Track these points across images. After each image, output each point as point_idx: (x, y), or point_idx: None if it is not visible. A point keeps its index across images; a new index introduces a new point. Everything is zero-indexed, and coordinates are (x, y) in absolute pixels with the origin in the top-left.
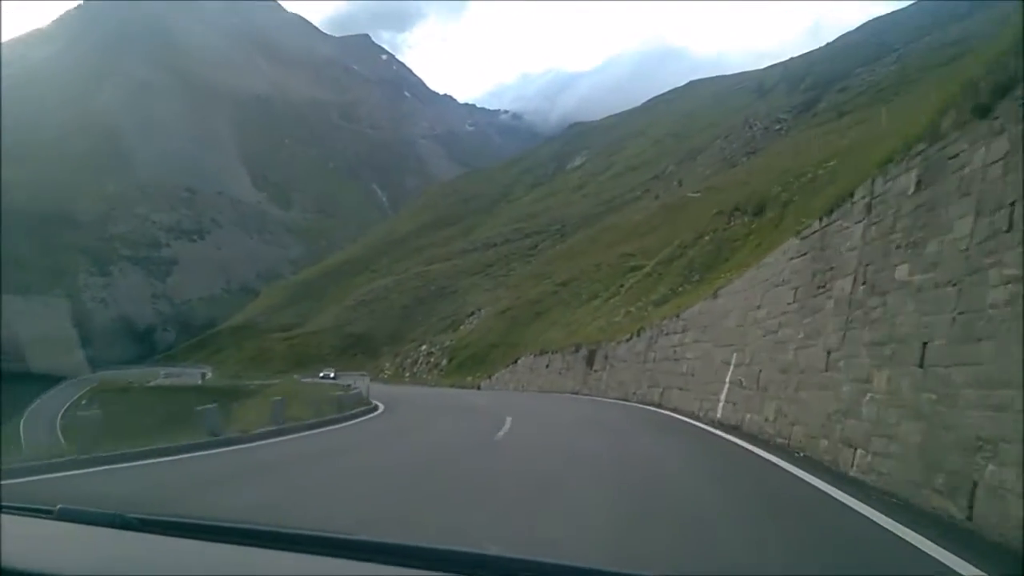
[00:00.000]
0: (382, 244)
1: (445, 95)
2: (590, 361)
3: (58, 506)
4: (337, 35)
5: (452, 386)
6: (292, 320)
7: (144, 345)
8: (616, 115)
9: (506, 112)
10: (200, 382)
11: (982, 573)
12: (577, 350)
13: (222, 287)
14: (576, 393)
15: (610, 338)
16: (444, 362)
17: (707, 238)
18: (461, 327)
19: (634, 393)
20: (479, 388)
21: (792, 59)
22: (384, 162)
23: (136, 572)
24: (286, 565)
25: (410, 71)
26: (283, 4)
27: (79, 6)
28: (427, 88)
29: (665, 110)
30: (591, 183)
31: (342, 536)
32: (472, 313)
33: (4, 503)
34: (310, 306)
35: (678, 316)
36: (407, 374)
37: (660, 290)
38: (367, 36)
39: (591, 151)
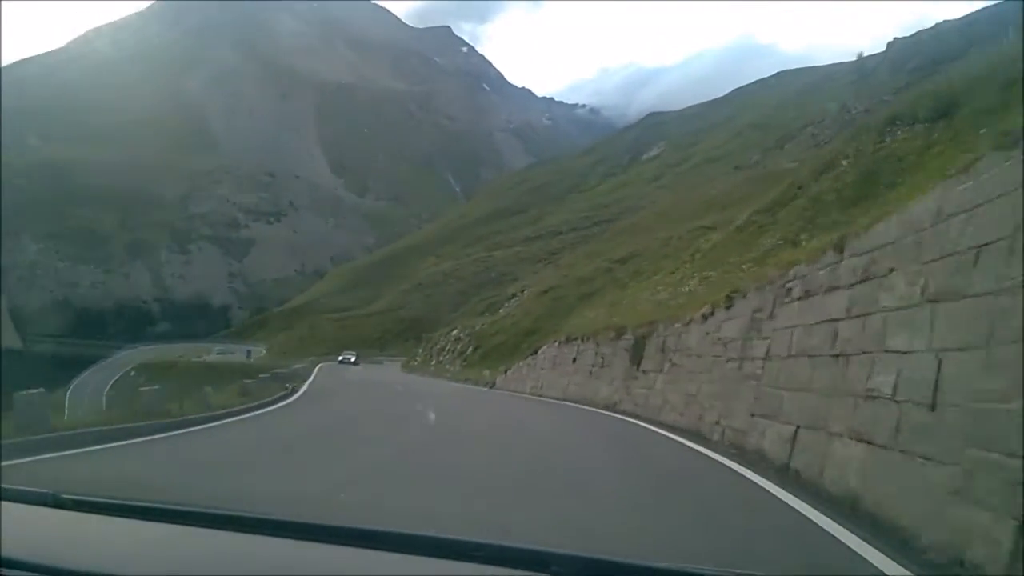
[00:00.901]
0: (448, 230)
1: (523, 88)
2: (637, 355)
3: None
4: (419, 26)
5: (466, 381)
6: (351, 303)
7: (219, 322)
8: (696, 105)
9: (583, 106)
10: (246, 359)
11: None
12: (618, 337)
13: (296, 269)
14: (611, 408)
15: (673, 317)
16: (470, 350)
17: (845, 163)
18: (500, 310)
19: (717, 423)
20: (493, 386)
21: (896, 39)
22: (460, 153)
23: (65, 550)
24: (213, 544)
25: (489, 64)
26: None
27: None
28: (505, 81)
29: (749, 101)
30: (667, 174)
31: (278, 518)
32: (514, 295)
33: None
34: (371, 289)
35: (841, 249)
36: (433, 362)
37: (764, 243)
38: (448, 28)
39: (669, 142)
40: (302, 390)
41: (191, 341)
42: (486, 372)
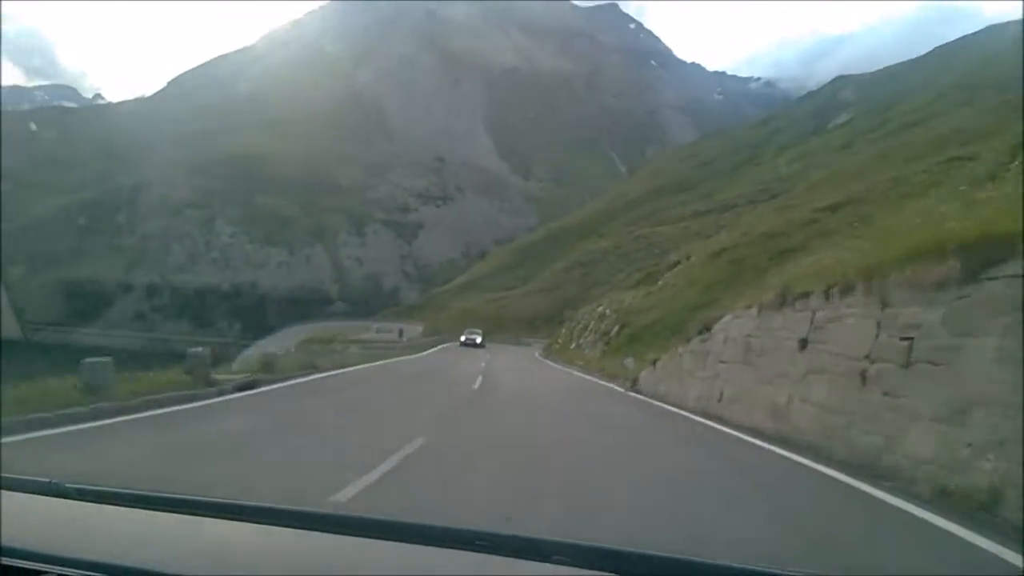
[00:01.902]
0: (611, 208)
1: (693, 63)
2: None
3: None
4: (586, 5)
5: (600, 372)
6: (509, 283)
7: (389, 302)
8: (890, 67)
9: (758, 79)
10: (398, 338)
11: None
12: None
13: (461, 251)
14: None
15: None
16: (615, 330)
17: None
18: (659, 281)
19: None
20: (635, 384)
21: None
22: (625, 132)
23: (68, 539)
24: (217, 533)
25: (658, 39)
26: None
27: None
28: (674, 56)
29: (953, 59)
30: (858, 141)
31: (282, 507)
32: (677, 263)
33: None
34: (528, 269)
35: None
36: (573, 344)
37: None
38: (615, 5)
39: (859, 107)
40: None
41: (360, 319)
42: (628, 361)
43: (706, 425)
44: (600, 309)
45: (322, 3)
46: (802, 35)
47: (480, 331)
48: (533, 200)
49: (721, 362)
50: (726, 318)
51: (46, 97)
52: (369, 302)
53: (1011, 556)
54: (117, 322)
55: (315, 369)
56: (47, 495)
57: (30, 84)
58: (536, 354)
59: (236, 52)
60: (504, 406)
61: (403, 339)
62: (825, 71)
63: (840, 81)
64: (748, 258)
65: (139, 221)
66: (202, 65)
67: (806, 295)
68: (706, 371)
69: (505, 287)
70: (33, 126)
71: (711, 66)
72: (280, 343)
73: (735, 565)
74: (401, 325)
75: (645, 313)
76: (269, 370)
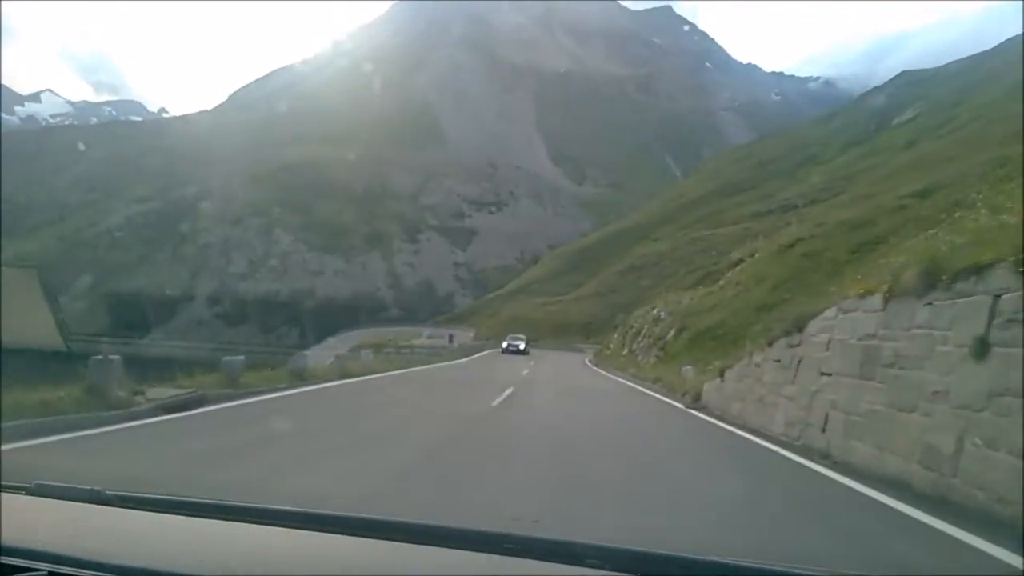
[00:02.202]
0: (667, 211)
1: (749, 64)
2: None
3: (34, 482)
4: (638, 8)
5: (655, 383)
6: (563, 288)
7: (444, 308)
8: (959, 60)
9: (816, 79)
10: (448, 343)
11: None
12: None
13: (515, 257)
14: None
15: None
16: (671, 334)
17: None
18: (719, 281)
19: None
20: (697, 400)
21: None
22: (680, 135)
23: (112, 548)
24: (262, 540)
25: (712, 41)
26: None
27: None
28: (730, 58)
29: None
30: (924, 139)
31: (319, 512)
32: (740, 261)
33: None
34: (581, 274)
35: None
36: (625, 351)
37: None
38: (669, 7)
39: (925, 102)
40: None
41: (413, 325)
42: (688, 370)
43: (812, 471)
44: (654, 312)
45: (377, 15)
46: (861, 35)
47: (523, 337)
48: (588, 205)
49: (823, 375)
50: (828, 313)
51: (114, 112)
52: (423, 308)
53: None
54: (182, 330)
55: (345, 375)
56: (89, 502)
57: (99, 100)
58: (586, 360)
59: (294, 64)
60: (520, 432)
61: (453, 344)
62: (885, 71)
63: (904, 77)
64: (825, 251)
65: (201, 231)
66: (261, 78)
67: (978, 269)
68: (798, 387)
69: (558, 292)
70: (81, 146)
71: (768, 67)
72: (333, 349)
73: (769, 567)
74: (452, 331)
75: (705, 315)
76: (299, 378)
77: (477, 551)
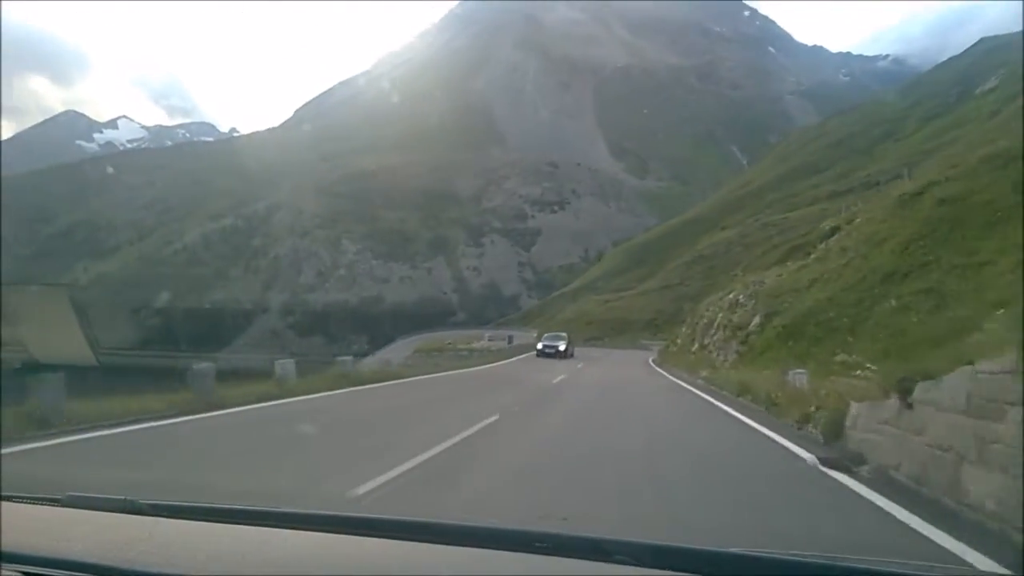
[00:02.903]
0: (733, 199)
1: (815, 46)
2: None
3: (66, 493)
4: None
5: (743, 392)
6: (627, 283)
7: (510, 309)
8: None
9: (885, 57)
10: (507, 344)
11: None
12: None
13: (579, 255)
14: None
15: None
16: (754, 323)
17: None
18: (810, 255)
19: None
20: (840, 432)
21: None
22: (745, 122)
23: (146, 557)
24: (297, 545)
25: (775, 24)
26: None
27: (458, 5)
28: (794, 41)
29: None
30: (1009, 108)
31: (348, 515)
32: (835, 229)
33: (12, 492)
34: (647, 268)
35: None
36: (695, 346)
37: None
38: None
39: (1009, 67)
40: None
41: (477, 328)
42: (797, 376)
43: None
44: (731, 296)
45: (432, 22)
46: (929, 6)
47: (565, 335)
48: (651, 199)
49: None
50: None
51: (187, 134)
52: (489, 311)
53: None
54: (257, 341)
55: (381, 379)
56: (122, 512)
57: (172, 123)
58: (650, 360)
59: (355, 77)
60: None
61: (511, 345)
62: (959, 42)
63: (983, 44)
64: (971, 195)
65: (271, 244)
66: (324, 92)
67: None
68: None
69: (622, 288)
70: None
71: (834, 47)
72: (396, 352)
73: (800, 557)
74: (512, 332)
75: (802, 294)
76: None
77: (507, 550)
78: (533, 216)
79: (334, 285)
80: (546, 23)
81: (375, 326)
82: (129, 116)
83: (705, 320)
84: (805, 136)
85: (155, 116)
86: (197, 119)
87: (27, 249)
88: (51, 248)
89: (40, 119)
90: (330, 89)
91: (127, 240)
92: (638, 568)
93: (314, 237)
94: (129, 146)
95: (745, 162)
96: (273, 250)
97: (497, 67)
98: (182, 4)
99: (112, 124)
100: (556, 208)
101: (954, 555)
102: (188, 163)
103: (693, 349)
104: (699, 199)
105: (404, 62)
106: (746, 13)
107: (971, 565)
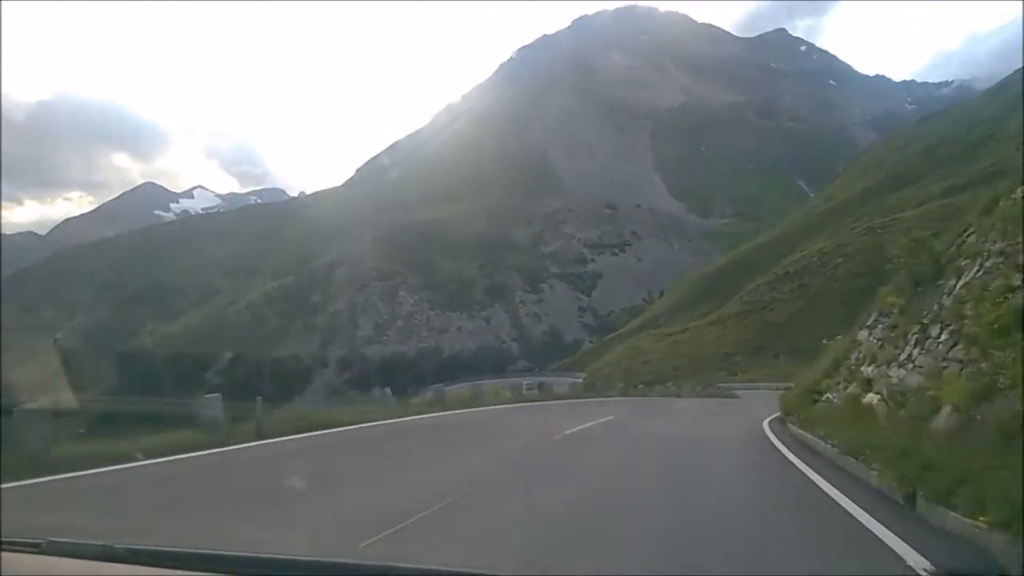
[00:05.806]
0: (813, 218)
1: (877, 76)
2: None
3: (47, 539)
4: (750, 36)
5: None
6: (691, 318)
7: (570, 354)
8: None
9: (950, 83)
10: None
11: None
12: None
13: (643, 297)
14: None
15: None
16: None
17: None
18: None
19: None
20: None
21: None
22: (810, 156)
23: None
24: None
25: (834, 57)
26: (692, 16)
27: (511, 58)
28: (855, 72)
29: None
30: None
31: (330, 561)
32: None
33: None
34: (714, 301)
35: None
36: (874, 397)
37: None
38: (782, 30)
39: None
40: None
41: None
42: None
43: None
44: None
45: (486, 76)
46: (991, 29)
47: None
48: (716, 237)
49: None
50: None
51: (259, 200)
52: (550, 357)
53: None
54: (318, 396)
55: None
56: (100, 559)
57: (244, 190)
58: (765, 423)
59: (415, 132)
60: None
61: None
62: None
63: None
64: None
65: (330, 299)
66: (385, 149)
67: None
68: None
69: (686, 322)
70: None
71: (897, 76)
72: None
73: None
74: (548, 378)
75: None
76: None
77: None
78: (593, 259)
79: (392, 337)
80: (599, 69)
81: (433, 377)
82: (204, 186)
83: (898, 331)
84: (891, 144)
85: (228, 184)
86: (269, 185)
87: (99, 315)
88: (123, 312)
89: (120, 192)
90: (392, 145)
91: (191, 302)
92: None
93: (371, 290)
94: (203, 213)
95: (812, 195)
96: (331, 304)
97: (552, 114)
98: (252, 75)
99: (188, 194)
100: (616, 251)
101: None
102: (254, 225)
103: (868, 400)
104: (767, 233)
105: (461, 114)
106: (803, 48)
107: None
